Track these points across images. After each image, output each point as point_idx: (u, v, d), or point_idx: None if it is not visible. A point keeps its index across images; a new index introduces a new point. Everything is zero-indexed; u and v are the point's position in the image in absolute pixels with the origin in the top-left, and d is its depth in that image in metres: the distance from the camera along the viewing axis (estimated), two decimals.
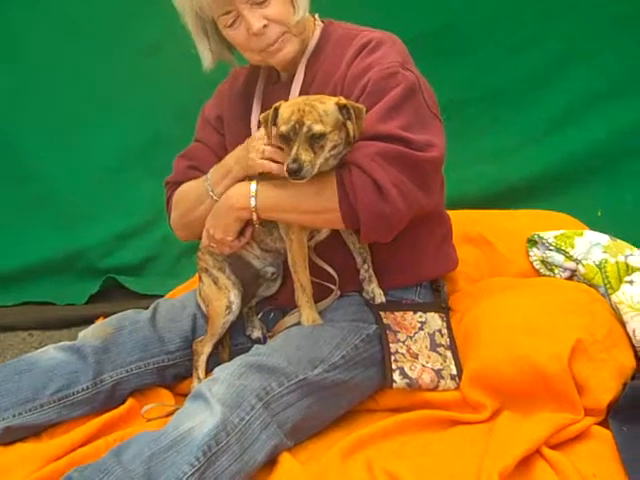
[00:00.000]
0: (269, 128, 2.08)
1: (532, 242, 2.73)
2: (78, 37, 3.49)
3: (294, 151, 1.97)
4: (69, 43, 3.49)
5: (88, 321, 3.19)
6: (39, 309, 3.47)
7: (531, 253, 2.71)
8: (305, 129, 1.97)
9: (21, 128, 3.53)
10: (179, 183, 2.50)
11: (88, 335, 2.39)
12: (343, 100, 2.03)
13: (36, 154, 3.55)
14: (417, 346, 2.24)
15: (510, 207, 3.08)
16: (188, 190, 2.43)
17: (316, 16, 2.36)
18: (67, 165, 3.56)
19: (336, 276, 2.30)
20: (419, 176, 2.05)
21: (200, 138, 2.57)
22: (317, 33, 2.32)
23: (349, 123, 2.03)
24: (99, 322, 2.57)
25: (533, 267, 2.69)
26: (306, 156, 1.96)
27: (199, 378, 2.33)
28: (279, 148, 2.11)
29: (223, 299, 2.33)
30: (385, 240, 2.14)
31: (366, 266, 2.30)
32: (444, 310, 2.38)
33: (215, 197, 2.27)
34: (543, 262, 2.67)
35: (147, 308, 2.54)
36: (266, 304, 2.48)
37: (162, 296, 3.00)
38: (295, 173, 1.96)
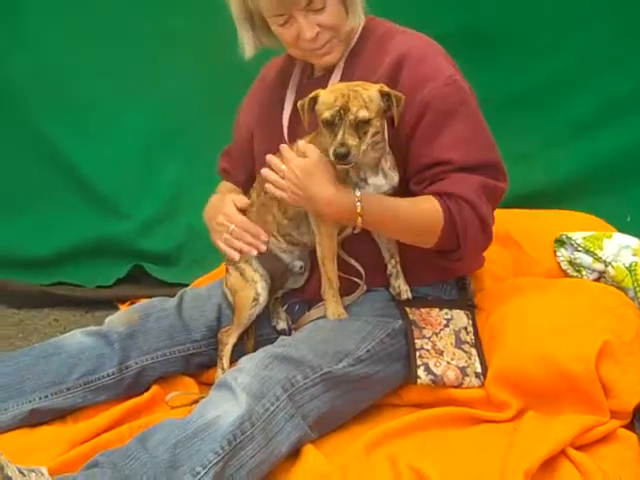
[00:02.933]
0: (305, 115, 2.06)
1: (560, 242, 2.70)
2: (103, 21, 3.47)
3: (340, 136, 1.95)
4: (93, 28, 3.48)
5: (112, 304, 3.33)
6: (69, 289, 3.53)
7: (558, 253, 2.69)
8: (351, 115, 1.96)
9: (50, 115, 3.52)
10: (221, 177, 2.68)
11: (115, 321, 2.40)
12: (386, 88, 2.03)
13: (66, 141, 3.54)
14: (442, 343, 2.24)
15: (533, 208, 3.05)
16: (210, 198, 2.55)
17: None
18: (96, 151, 3.55)
19: (363, 271, 2.30)
20: (496, 204, 2.22)
21: (234, 137, 2.66)
22: (359, 30, 2.30)
23: (392, 110, 2.03)
24: (126, 308, 2.60)
25: (560, 268, 2.67)
26: (352, 141, 1.95)
27: (223, 368, 2.33)
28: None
29: (250, 290, 2.32)
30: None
31: (393, 261, 2.30)
32: (470, 308, 2.38)
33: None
34: (571, 263, 2.65)
35: (173, 296, 2.54)
36: (292, 296, 2.47)
37: (187, 285, 3.00)
38: (344, 157, 1.95)
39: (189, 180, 3.49)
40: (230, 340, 2.35)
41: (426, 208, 2.09)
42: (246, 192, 2.46)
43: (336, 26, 2.19)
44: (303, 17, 2.15)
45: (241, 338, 2.39)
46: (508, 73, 3.23)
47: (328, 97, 2.00)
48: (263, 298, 2.33)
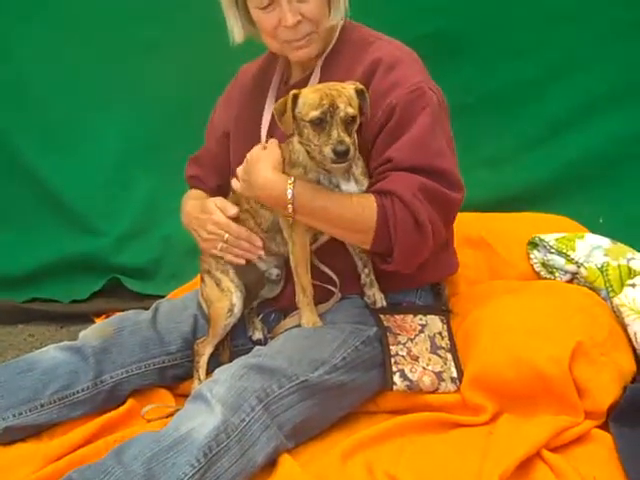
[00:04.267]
0: (288, 116, 2.04)
1: (533, 245, 2.71)
2: (74, 34, 3.46)
3: (335, 134, 1.96)
4: (64, 41, 3.47)
5: (88, 318, 3.28)
6: (44, 304, 3.50)
7: (532, 256, 2.69)
8: (340, 112, 1.97)
9: (21, 131, 3.50)
10: (189, 185, 2.65)
11: (89, 335, 2.38)
12: (360, 85, 2.06)
13: (39, 157, 3.51)
14: (418, 348, 2.24)
15: (509, 212, 3.06)
16: (183, 203, 2.53)
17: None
18: (70, 166, 3.53)
19: (337, 279, 2.30)
20: (447, 214, 2.16)
21: (206, 142, 2.65)
22: (336, 34, 2.31)
23: (365, 108, 2.05)
24: (100, 322, 2.59)
25: (534, 270, 2.67)
26: (347, 138, 1.96)
27: (200, 379, 2.32)
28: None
29: (225, 301, 2.32)
30: (406, 271, 2.18)
31: (367, 270, 2.29)
32: (445, 313, 2.38)
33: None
34: (544, 265, 2.66)
35: (148, 308, 2.53)
36: (267, 306, 2.47)
37: (162, 297, 3.01)
38: (345, 155, 1.95)
39: (164, 192, 3.46)
40: (206, 351, 2.34)
41: (360, 203, 2.08)
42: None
43: (317, 19, 2.19)
44: (287, 2, 2.15)
45: (217, 349, 2.39)
46: (479, 76, 3.23)
47: (312, 97, 2.00)
48: (238, 309, 2.33)
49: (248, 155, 2.19)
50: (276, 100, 2.32)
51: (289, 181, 2.07)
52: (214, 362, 2.36)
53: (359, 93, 2.05)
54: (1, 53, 3.48)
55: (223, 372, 2.04)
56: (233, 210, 2.31)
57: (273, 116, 2.23)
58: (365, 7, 2.38)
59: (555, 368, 2.03)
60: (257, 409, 1.96)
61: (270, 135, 2.33)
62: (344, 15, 2.27)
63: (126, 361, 2.33)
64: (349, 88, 2.03)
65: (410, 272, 2.19)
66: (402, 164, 2.08)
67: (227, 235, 2.29)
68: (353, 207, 2.08)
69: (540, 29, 3.18)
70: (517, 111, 3.24)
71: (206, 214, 2.34)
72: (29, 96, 3.51)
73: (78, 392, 2.26)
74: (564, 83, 3.21)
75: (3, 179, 3.54)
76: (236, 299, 2.32)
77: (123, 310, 2.88)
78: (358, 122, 2.04)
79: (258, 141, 2.34)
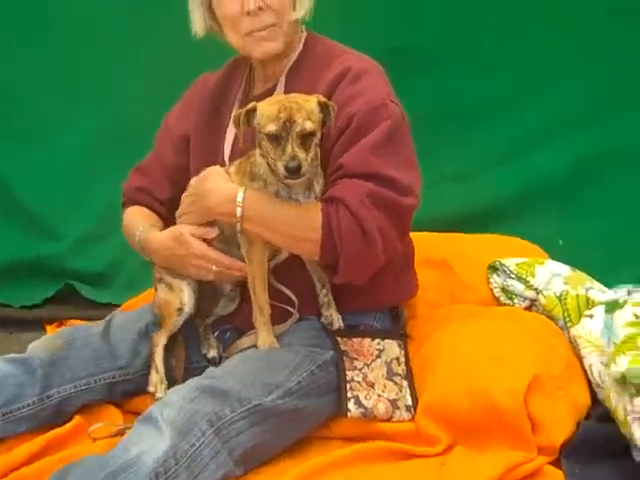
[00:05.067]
0: (241, 129, 2.03)
1: (493, 269, 2.70)
2: (38, 28, 3.40)
3: (290, 149, 1.93)
4: (28, 34, 3.40)
5: (39, 324, 3.21)
6: None
7: (492, 280, 2.68)
8: (297, 127, 1.93)
9: None
10: (130, 199, 2.52)
11: (37, 347, 2.31)
12: (323, 98, 2.02)
13: None
14: (374, 374, 2.20)
15: (473, 230, 3.05)
16: (129, 224, 2.46)
17: (302, 27, 2.32)
18: (27, 164, 3.47)
19: (295, 299, 2.27)
20: (400, 222, 2.09)
21: (157, 151, 2.55)
22: (300, 45, 2.28)
23: (328, 122, 2.02)
24: (50, 334, 2.52)
25: (493, 295, 2.67)
26: (302, 154, 1.93)
27: (157, 369, 2.29)
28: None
29: (176, 300, 2.28)
30: (357, 282, 2.14)
31: (325, 290, 2.26)
32: (402, 337, 2.34)
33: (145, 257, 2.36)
34: (503, 290, 2.65)
35: (101, 318, 2.48)
36: (223, 323, 2.42)
37: (118, 306, 2.96)
38: (296, 171, 1.92)
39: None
40: (160, 341, 2.30)
41: (307, 210, 2.05)
42: (170, 212, 2.40)
43: (280, 10, 2.16)
44: None
45: (170, 364, 2.35)
46: (446, 91, 3.23)
47: (269, 109, 1.97)
48: (189, 307, 2.29)
49: (195, 178, 2.20)
50: None
51: (240, 189, 2.07)
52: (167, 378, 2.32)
53: (322, 106, 2.01)
54: None
55: (175, 394, 1.99)
56: (213, 232, 2.22)
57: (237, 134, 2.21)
58: (331, 19, 2.40)
59: (511, 401, 2.00)
60: (208, 434, 1.90)
61: (234, 151, 2.30)
62: (308, 14, 2.24)
63: (75, 375, 2.26)
64: (311, 101, 2.00)
65: (361, 284, 2.15)
66: (353, 171, 2.05)
67: (214, 267, 2.22)
68: (300, 215, 2.05)
69: (509, 45, 3.19)
70: (483, 126, 3.25)
71: (185, 249, 2.23)
72: None
73: (23, 407, 2.18)
74: (532, 100, 3.22)
75: None
76: (187, 297, 2.28)
77: (77, 318, 3.02)
78: (318, 136, 2.01)
79: (217, 154, 2.31)
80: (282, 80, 2.26)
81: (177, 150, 2.48)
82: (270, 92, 2.25)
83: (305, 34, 2.31)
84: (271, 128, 1.95)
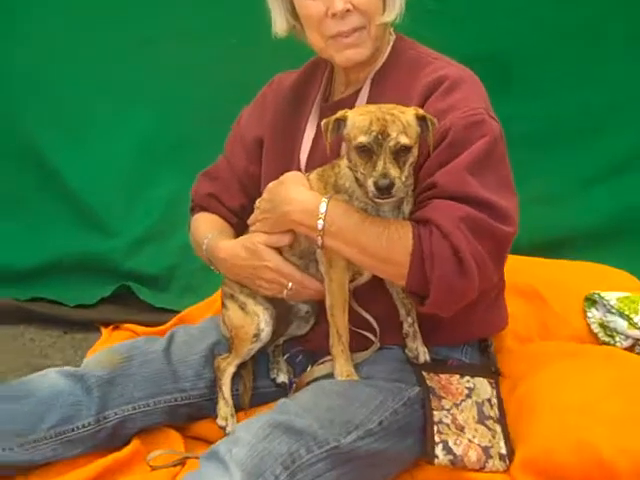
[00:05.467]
0: (329, 137, 1.88)
1: (591, 301, 2.50)
2: (97, 25, 3.34)
3: (381, 165, 1.77)
4: (86, 32, 3.35)
5: (94, 326, 3.13)
6: (47, 306, 3.35)
7: (589, 314, 2.48)
8: (391, 141, 1.78)
9: (37, 120, 3.39)
10: (200, 206, 2.42)
11: (93, 363, 2.19)
12: (421, 111, 1.87)
13: (53, 147, 3.39)
14: (463, 416, 2.01)
15: (562, 258, 2.86)
16: (196, 231, 2.36)
17: (391, 29, 2.16)
18: (85, 160, 3.40)
19: (376, 326, 2.09)
20: (498, 252, 1.92)
21: (228, 154, 2.43)
22: (388, 48, 2.14)
23: (427, 137, 1.86)
24: (106, 348, 2.35)
25: (590, 330, 2.46)
26: (395, 171, 1.77)
27: (225, 398, 2.16)
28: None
29: (251, 325, 2.12)
30: (445, 314, 1.97)
31: (410, 319, 2.08)
32: (494, 375, 2.15)
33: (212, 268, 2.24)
34: (602, 326, 2.44)
35: (162, 323, 2.41)
36: (294, 345, 2.26)
37: (178, 312, 2.90)
38: (387, 190, 1.76)
39: (185, 195, 3.22)
40: (228, 369, 2.16)
41: (396, 230, 1.88)
42: (241, 222, 2.28)
43: (369, 12, 2.01)
44: None
45: (238, 377, 2.21)
46: (532, 105, 3.08)
47: (361, 120, 1.83)
48: (266, 334, 2.13)
49: (270, 184, 2.07)
50: (319, 119, 2.15)
51: (324, 197, 1.92)
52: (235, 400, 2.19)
53: (420, 120, 1.85)
54: (19, 44, 3.36)
55: (245, 430, 1.81)
56: (287, 238, 2.05)
57: (316, 137, 2.13)
58: (412, 26, 2.19)
59: (625, 461, 1.78)
60: (281, 478, 1.72)
61: (311, 157, 2.17)
62: (398, 17, 2.08)
63: (133, 396, 2.13)
64: (408, 113, 1.84)
65: (448, 316, 1.97)
66: (447, 191, 1.88)
67: (290, 284, 2.06)
68: (390, 235, 1.88)
69: (605, 56, 3.03)
70: (573, 145, 3.11)
71: (258, 260, 2.08)
72: (46, 86, 3.40)
73: (78, 428, 2.06)
74: (628, 116, 3.07)
75: (16, 168, 3.42)
76: (264, 324, 2.12)
77: (133, 322, 2.95)
78: (414, 154, 1.84)
79: (292, 161, 2.20)
80: (366, 86, 2.11)
81: (249, 155, 2.36)
82: (352, 98, 2.11)
83: (394, 37, 2.16)
84: (362, 140, 1.80)
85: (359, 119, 1.83)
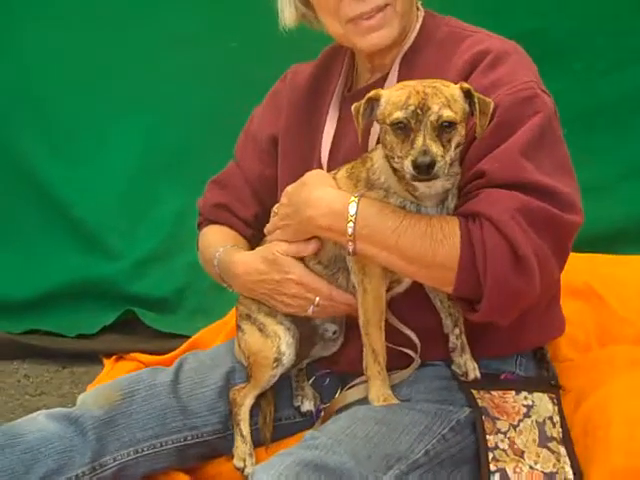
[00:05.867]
0: (361, 121, 1.71)
1: None
2: (90, 33, 3.34)
3: (420, 141, 1.58)
4: (79, 40, 3.34)
5: (96, 357, 3.02)
6: (44, 338, 3.27)
7: None
8: (432, 115, 1.60)
9: (31, 135, 3.38)
10: (208, 219, 2.27)
11: (90, 401, 2.01)
12: (467, 85, 1.68)
13: (49, 165, 3.38)
14: (522, 439, 1.79)
15: (612, 252, 2.71)
16: (206, 246, 2.19)
17: (419, 3, 1.97)
18: (84, 178, 3.38)
19: (417, 341, 1.88)
20: (560, 244, 1.72)
21: (239, 159, 2.27)
22: (417, 26, 1.96)
23: (475, 117, 1.66)
24: (105, 384, 2.18)
25: None
26: (437, 148, 1.58)
27: (242, 435, 1.98)
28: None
29: (271, 348, 1.93)
30: (503, 322, 1.77)
31: (457, 331, 1.86)
32: (554, 389, 1.93)
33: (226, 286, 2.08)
34: None
35: (170, 351, 2.37)
36: (321, 367, 2.07)
37: (187, 337, 2.74)
38: (427, 169, 1.57)
39: (193, 209, 3.18)
40: (246, 401, 1.99)
41: (441, 228, 1.70)
42: (256, 234, 2.12)
43: None
44: None
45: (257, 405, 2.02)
46: (581, 86, 2.96)
47: (397, 95, 1.65)
48: (288, 358, 1.94)
49: (289, 187, 1.92)
50: (340, 111, 2.03)
51: (353, 196, 1.75)
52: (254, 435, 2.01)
53: (467, 96, 1.67)
54: (9, 55, 3.33)
55: (266, 472, 1.59)
56: (310, 247, 1.87)
57: (336, 131, 1.99)
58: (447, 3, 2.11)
59: None
60: None
61: (333, 154, 2.01)
62: None
63: (136, 438, 1.96)
64: (453, 87, 1.67)
65: (506, 324, 1.77)
66: (499, 178, 1.70)
67: (317, 299, 1.87)
68: (433, 233, 1.69)
69: None
70: (624, 131, 3.00)
71: (279, 273, 1.89)
72: (40, 100, 3.40)
73: (71, 479, 1.88)
74: None
75: (7, 190, 3.39)
76: (286, 346, 1.93)
77: (139, 351, 2.77)
78: (461, 133, 1.64)
79: (312, 159, 2.05)
80: (394, 70, 1.94)
81: (263, 157, 2.20)
82: (379, 85, 1.92)
83: (422, 13, 2.00)
84: (397, 115, 1.62)
85: (395, 94, 1.67)
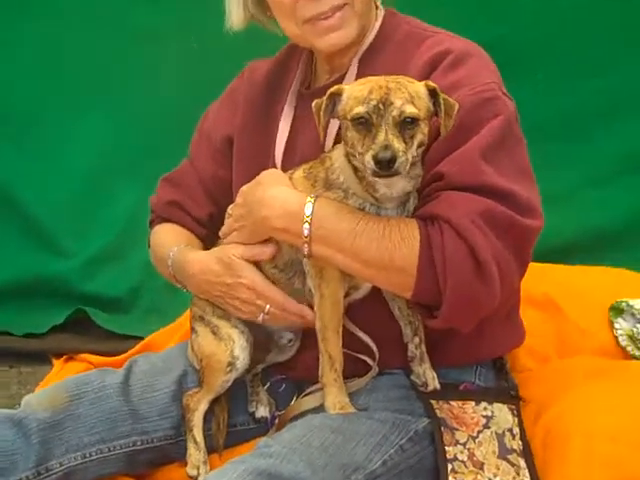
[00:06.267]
0: (322, 118, 1.67)
1: (617, 310, 2.30)
2: (46, 22, 3.22)
3: (382, 136, 1.55)
4: (31, 33, 3.27)
5: (45, 357, 2.94)
6: None
7: (616, 325, 2.28)
8: (395, 110, 1.56)
9: None
10: (161, 217, 2.20)
11: (34, 403, 1.91)
12: (432, 84, 1.64)
13: (3, 165, 3.31)
14: (482, 451, 1.76)
15: (567, 263, 2.66)
16: (158, 244, 2.14)
17: (379, 2, 1.94)
18: (35, 172, 3.31)
19: (375, 348, 1.83)
20: (520, 249, 1.68)
21: (193, 158, 2.22)
22: (377, 24, 1.92)
23: (440, 118, 1.63)
24: (51, 385, 2.09)
25: (618, 343, 2.27)
26: (398, 143, 1.54)
27: (195, 442, 1.92)
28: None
29: (225, 352, 1.88)
30: (463, 328, 1.73)
31: (417, 340, 1.82)
32: (514, 400, 1.89)
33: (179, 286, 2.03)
34: (632, 338, 2.25)
35: (121, 352, 2.34)
36: (276, 372, 2.02)
37: (141, 338, 2.66)
38: (388, 165, 1.53)
39: (146, 210, 3.15)
40: (200, 407, 1.93)
41: (399, 230, 1.66)
42: (210, 235, 2.09)
43: None
44: None
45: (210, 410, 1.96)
46: (540, 95, 2.91)
47: (359, 89, 1.62)
48: (242, 362, 1.89)
49: (245, 187, 1.88)
50: (295, 110, 1.99)
51: (309, 196, 1.71)
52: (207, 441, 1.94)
53: (432, 94, 1.63)
54: None
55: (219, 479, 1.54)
56: (269, 250, 1.82)
57: (292, 129, 1.95)
58: (414, 5, 2.05)
59: None
60: None
61: (288, 154, 1.98)
62: None
63: (83, 442, 1.88)
64: (418, 84, 1.64)
65: (466, 331, 1.74)
66: (458, 181, 1.66)
67: (268, 306, 1.83)
68: (390, 235, 1.65)
69: (614, 46, 2.94)
70: (584, 140, 2.97)
71: (231, 277, 1.84)
72: None
73: None
74: (637, 110, 2.97)
75: None
76: (240, 350, 1.88)
77: (89, 351, 2.68)
78: (424, 131, 1.61)
79: (267, 159, 2.00)
80: (353, 69, 1.90)
81: (217, 157, 2.15)
82: (338, 84, 1.84)
83: (382, 12, 1.96)
84: (359, 110, 1.59)
85: (357, 89, 1.63)
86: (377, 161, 1.54)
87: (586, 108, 2.92)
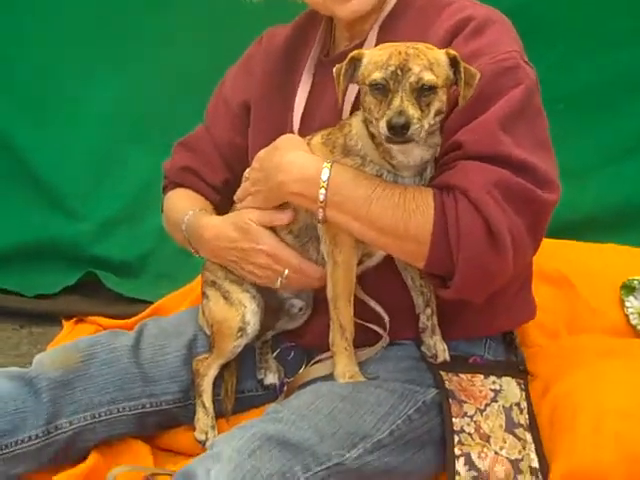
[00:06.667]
0: (342, 83, 1.66)
1: (628, 289, 2.28)
2: None
3: (397, 102, 1.53)
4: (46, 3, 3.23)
5: (55, 318, 2.89)
6: (2, 297, 3.20)
7: (627, 303, 2.26)
8: (412, 76, 1.54)
9: None
10: (174, 182, 2.18)
11: (46, 362, 1.92)
12: (453, 51, 1.62)
13: (15, 123, 3.28)
14: (489, 424, 1.74)
15: (582, 239, 2.64)
16: (171, 209, 2.13)
17: None
18: (49, 137, 3.27)
19: (386, 317, 1.82)
20: (537, 223, 1.67)
21: (210, 124, 2.19)
22: None
23: (460, 87, 1.60)
24: (63, 344, 2.10)
25: (628, 321, 2.24)
26: (413, 110, 1.53)
27: (204, 407, 1.92)
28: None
29: (236, 317, 1.87)
30: (475, 300, 1.73)
31: (429, 311, 1.81)
32: (522, 375, 1.88)
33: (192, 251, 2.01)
34: None
35: (131, 316, 2.31)
36: (286, 340, 2.01)
37: (150, 303, 2.66)
38: (402, 131, 1.52)
39: (160, 176, 3.11)
40: (210, 372, 1.93)
41: (413, 198, 1.65)
42: (224, 201, 2.06)
43: None
44: None
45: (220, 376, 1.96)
46: (560, 68, 2.84)
47: (379, 55, 1.60)
48: (253, 327, 1.88)
49: (262, 151, 1.86)
50: (314, 77, 1.96)
51: (326, 162, 1.70)
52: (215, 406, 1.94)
53: (452, 63, 1.61)
54: None
55: (227, 443, 1.54)
56: (285, 216, 1.81)
57: (310, 96, 1.93)
58: None
59: None
60: None
61: (305, 120, 1.95)
62: None
63: (93, 402, 1.88)
64: (438, 51, 1.62)
65: (479, 302, 1.74)
66: (475, 151, 1.64)
67: (286, 271, 1.81)
68: (405, 203, 1.64)
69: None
70: (598, 116, 2.91)
71: (250, 242, 1.83)
72: (4, 57, 3.31)
73: (23, 441, 1.81)
74: None
75: None
76: (251, 315, 1.87)
77: (99, 314, 2.68)
78: (442, 99, 1.59)
79: (285, 126, 1.97)
80: (372, 36, 1.87)
81: (235, 124, 2.12)
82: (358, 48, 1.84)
83: None
84: (376, 76, 1.57)
85: (376, 54, 1.62)
86: (391, 126, 1.53)
87: (608, 80, 2.87)
